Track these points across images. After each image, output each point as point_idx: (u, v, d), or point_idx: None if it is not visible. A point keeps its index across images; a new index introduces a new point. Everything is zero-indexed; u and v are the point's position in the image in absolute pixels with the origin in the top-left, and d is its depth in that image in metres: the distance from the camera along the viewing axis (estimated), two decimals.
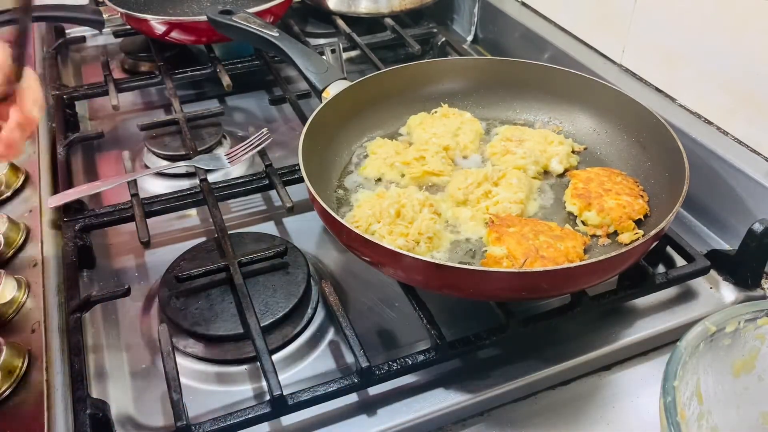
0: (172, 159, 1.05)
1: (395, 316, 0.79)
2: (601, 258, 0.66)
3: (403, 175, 0.90)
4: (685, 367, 0.56)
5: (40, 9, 1.28)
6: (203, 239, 0.90)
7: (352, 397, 0.70)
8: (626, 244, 0.78)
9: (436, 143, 0.93)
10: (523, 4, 1.32)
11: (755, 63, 0.85)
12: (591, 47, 1.15)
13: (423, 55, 1.29)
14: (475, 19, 1.43)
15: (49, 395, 0.68)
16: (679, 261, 0.84)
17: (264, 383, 0.69)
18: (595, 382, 0.74)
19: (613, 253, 0.67)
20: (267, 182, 0.95)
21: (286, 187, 0.93)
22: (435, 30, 1.37)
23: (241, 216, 0.97)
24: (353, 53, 1.36)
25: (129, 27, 1.32)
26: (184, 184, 1.00)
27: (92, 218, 0.90)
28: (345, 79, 0.96)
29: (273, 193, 0.98)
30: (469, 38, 1.45)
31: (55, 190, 0.97)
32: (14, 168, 0.98)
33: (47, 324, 0.75)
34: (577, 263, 0.72)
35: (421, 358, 0.70)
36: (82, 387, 0.67)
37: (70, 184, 0.98)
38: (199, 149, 1.03)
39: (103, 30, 1.38)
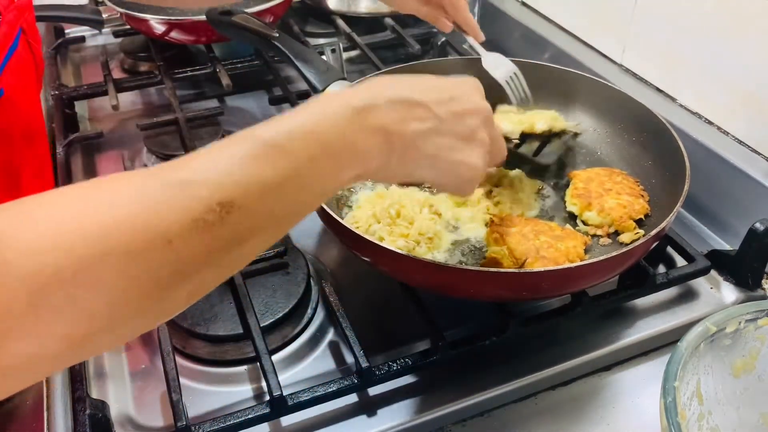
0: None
1: (395, 316, 0.79)
2: (601, 258, 0.66)
3: None
4: (686, 368, 0.56)
5: (40, 9, 1.28)
6: None
7: (352, 398, 0.70)
8: (627, 244, 0.78)
9: None
10: (523, 4, 1.32)
11: (755, 63, 0.85)
12: (591, 47, 1.15)
13: (423, 55, 1.29)
14: (475, 19, 1.42)
15: (49, 395, 0.67)
16: (680, 261, 0.84)
17: (264, 383, 0.69)
18: (595, 382, 0.74)
19: (614, 253, 0.67)
20: None
21: None
22: (435, 30, 1.37)
23: None
24: (353, 53, 1.35)
25: (128, 27, 1.32)
26: None
27: None
28: (345, 79, 0.96)
29: None
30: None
31: None
32: None
33: None
34: (578, 263, 0.72)
35: (421, 358, 0.70)
36: (82, 387, 0.67)
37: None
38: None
39: (103, 30, 1.38)
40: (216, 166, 0.43)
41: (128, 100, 1.24)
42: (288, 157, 0.45)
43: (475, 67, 1.03)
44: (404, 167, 0.54)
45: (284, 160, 0.45)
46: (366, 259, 0.73)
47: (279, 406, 0.65)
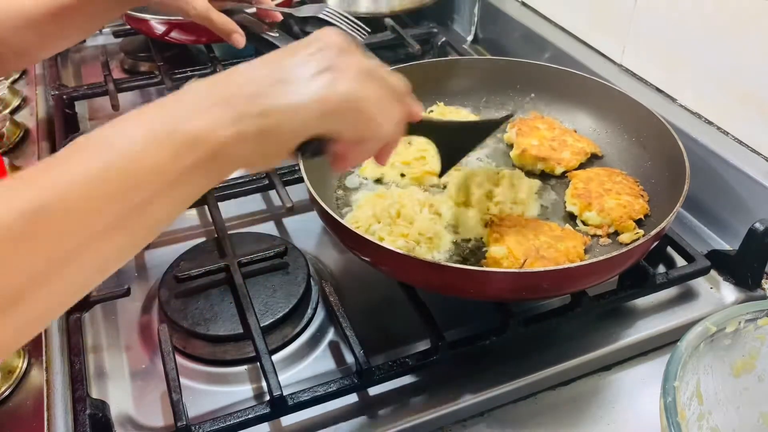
0: None
1: (395, 316, 0.79)
2: (601, 258, 0.66)
3: (403, 176, 0.90)
4: (686, 368, 0.56)
5: None
6: (203, 239, 0.90)
7: (352, 398, 0.70)
8: (627, 244, 0.78)
9: None
10: (523, 4, 1.32)
11: (755, 63, 0.85)
12: (591, 47, 1.15)
13: (423, 55, 1.29)
14: (475, 19, 1.42)
15: (49, 395, 0.68)
16: (680, 261, 0.84)
17: (264, 383, 0.69)
18: (595, 382, 0.74)
19: (614, 253, 0.67)
20: (267, 182, 0.95)
21: (286, 187, 0.93)
22: (435, 30, 1.37)
23: (241, 216, 0.97)
24: None
25: (129, 27, 1.32)
26: None
27: None
28: None
29: (273, 193, 0.98)
30: (469, 38, 1.45)
31: None
32: (14, 168, 0.98)
33: None
34: (578, 263, 0.72)
35: (421, 358, 0.70)
36: (82, 387, 0.67)
37: None
38: None
39: (103, 30, 1.38)
40: None
41: (128, 100, 1.24)
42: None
43: (476, 68, 1.03)
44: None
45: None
46: (366, 259, 0.73)
47: (279, 406, 0.65)
